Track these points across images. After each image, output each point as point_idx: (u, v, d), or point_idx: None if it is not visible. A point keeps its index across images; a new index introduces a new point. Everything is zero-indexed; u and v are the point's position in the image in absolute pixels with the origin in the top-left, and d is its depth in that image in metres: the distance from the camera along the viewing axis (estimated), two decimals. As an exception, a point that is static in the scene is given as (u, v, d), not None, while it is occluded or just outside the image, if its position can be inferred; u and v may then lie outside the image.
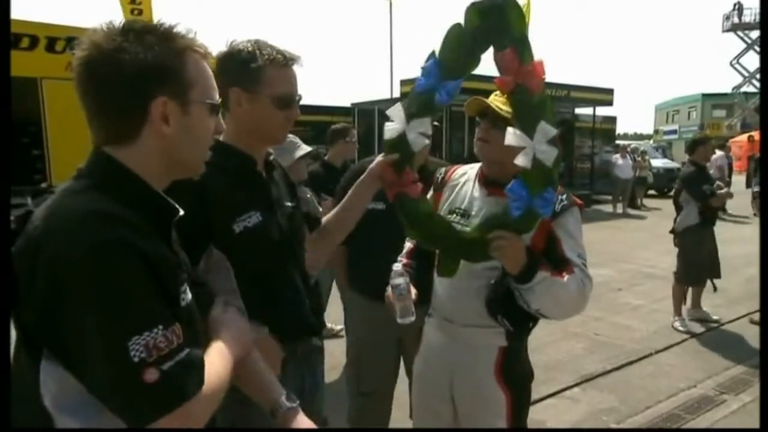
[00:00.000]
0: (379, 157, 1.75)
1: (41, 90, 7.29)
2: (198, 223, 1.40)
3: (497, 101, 1.82)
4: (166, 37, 1.00)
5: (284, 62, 1.50)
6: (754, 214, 5.69)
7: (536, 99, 1.59)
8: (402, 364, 2.69)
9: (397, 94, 14.75)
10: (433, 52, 1.65)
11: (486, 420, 1.88)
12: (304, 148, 3.13)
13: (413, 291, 1.86)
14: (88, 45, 0.97)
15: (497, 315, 1.81)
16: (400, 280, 1.80)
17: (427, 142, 1.73)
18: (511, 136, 1.60)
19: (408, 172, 1.73)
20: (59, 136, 7.29)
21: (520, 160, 1.61)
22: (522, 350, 1.95)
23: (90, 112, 1.00)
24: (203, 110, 1.06)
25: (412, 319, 1.79)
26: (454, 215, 1.90)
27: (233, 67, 1.48)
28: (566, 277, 1.71)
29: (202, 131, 1.07)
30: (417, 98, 1.70)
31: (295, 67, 1.55)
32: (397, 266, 1.79)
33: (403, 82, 14.15)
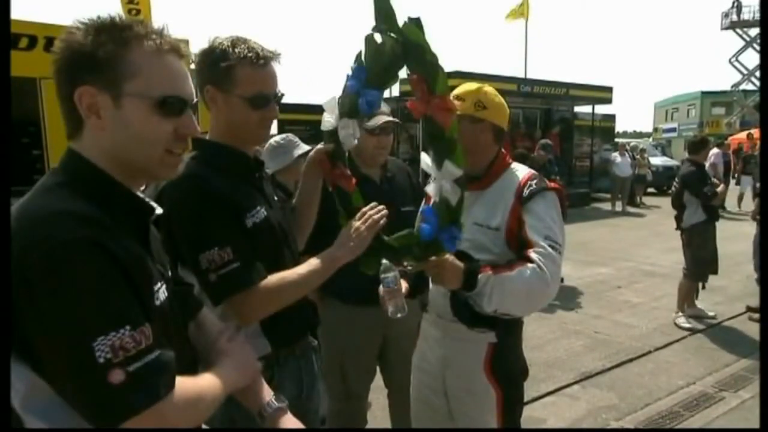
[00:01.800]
0: (319, 146, 1.75)
1: (40, 90, 7.27)
2: (240, 225, 1.43)
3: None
4: (116, 27, 0.96)
5: (257, 60, 1.44)
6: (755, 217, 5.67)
7: (446, 135, 1.54)
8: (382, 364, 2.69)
9: (396, 92, 14.73)
10: (360, 54, 1.58)
11: (477, 415, 1.88)
12: (303, 147, 3.14)
13: (404, 285, 1.85)
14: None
15: (468, 323, 1.83)
16: (388, 274, 1.75)
17: (356, 142, 1.72)
18: (424, 162, 1.64)
19: (341, 166, 1.73)
20: (59, 136, 7.26)
21: (429, 188, 1.66)
22: (514, 346, 1.93)
23: None
24: (142, 105, 0.97)
25: (404, 313, 1.76)
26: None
27: (207, 66, 1.45)
28: (516, 270, 1.70)
29: (143, 129, 0.98)
30: (346, 99, 1.64)
31: (277, 65, 1.50)
32: (386, 261, 1.75)
33: (402, 81, 14.14)
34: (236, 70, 1.43)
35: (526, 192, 1.81)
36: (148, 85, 0.97)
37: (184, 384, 0.95)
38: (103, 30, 0.96)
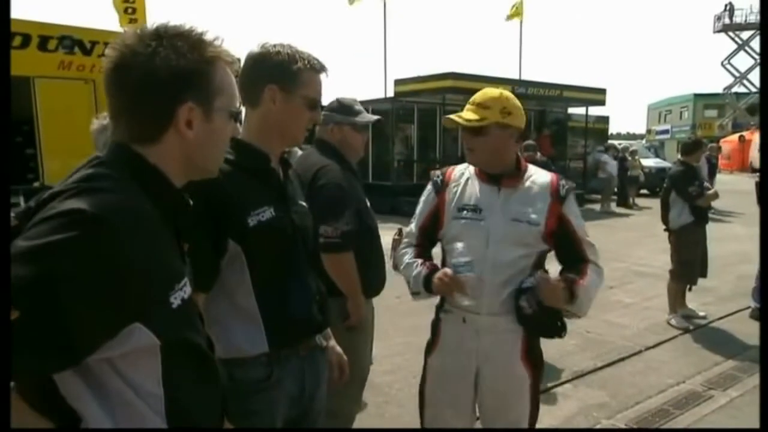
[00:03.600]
0: None
1: (34, 89, 7.25)
2: (211, 216, 1.45)
3: (467, 114, 1.97)
4: (197, 44, 1.04)
5: (319, 69, 1.62)
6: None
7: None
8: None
9: (390, 93, 14.74)
10: None
11: (512, 400, 2.04)
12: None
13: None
14: (121, 47, 1.00)
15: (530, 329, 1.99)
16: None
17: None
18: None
19: None
20: (52, 134, 7.26)
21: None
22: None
23: (117, 110, 1.03)
24: (224, 117, 1.10)
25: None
26: (465, 211, 2.01)
27: (273, 66, 1.56)
28: (590, 275, 1.96)
29: (220, 137, 1.12)
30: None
31: (324, 77, 1.66)
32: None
33: (397, 82, 14.20)
34: (302, 74, 1.57)
35: (562, 192, 2.00)
36: (228, 101, 1.10)
37: None
38: (195, 47, 1.03)
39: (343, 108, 2.50)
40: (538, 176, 2.04)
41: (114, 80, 1.01)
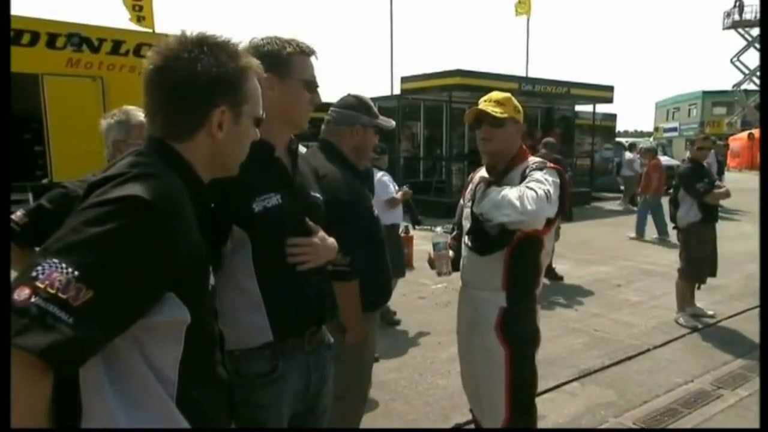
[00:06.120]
0: None
1: (42, 86, 7.30)
2: (216, 200, 1.43)
3: (489, 106, 2.24)
4: (233, 55, 1.16)
5: (308, 51, 1.67)
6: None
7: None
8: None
9: (397, 90, 14.72)
10: None
11: (487, 368, 2.28)
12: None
13: (450, 252, 2.40)
14: (164, 51, 1.11)
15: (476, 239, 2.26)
16: (439, 240, 2.29)
17: None
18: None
19: None
20: (60, 131, 7.31)
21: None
22: (523, 312, 2.30)
23: (154, 108, 1.13)
24: (250, 122, 1.21)
25: (449, 275, 2.29)
26: (468, 201, 2.39)
27: (263, 57, 1.55)
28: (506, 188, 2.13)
29: (245, 139, 1.23)
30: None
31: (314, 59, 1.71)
32: (438, 229, 2.30)
33: (403, 79, 14.17)
34: (294, 58, 1.63)
35: (527, 172, 2.20)
36: (254, 107, 1.22)
37: None
38: (231, 57, 1.14)
39: (366, 108, 2.36)
40: (523, 165, 2.25)
41: (154, 80, 1.11)
